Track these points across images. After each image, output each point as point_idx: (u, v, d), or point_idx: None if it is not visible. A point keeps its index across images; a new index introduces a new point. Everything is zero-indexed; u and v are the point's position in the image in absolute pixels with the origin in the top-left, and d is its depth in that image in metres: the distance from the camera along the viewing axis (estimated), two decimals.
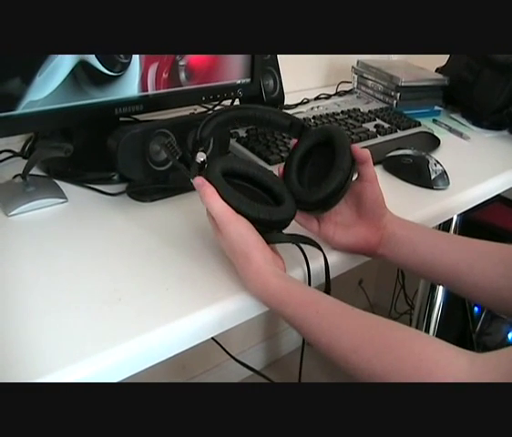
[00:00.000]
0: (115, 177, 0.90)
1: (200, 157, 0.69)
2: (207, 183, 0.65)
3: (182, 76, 0.98)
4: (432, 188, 0.98)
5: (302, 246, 0.70)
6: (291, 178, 0.72)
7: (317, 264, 0.72)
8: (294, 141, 0.76)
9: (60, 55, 0.81)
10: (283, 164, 0.75)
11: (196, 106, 1.16)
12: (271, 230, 0.67)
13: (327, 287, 0.71)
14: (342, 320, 0.60)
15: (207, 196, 0.64)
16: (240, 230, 0.63)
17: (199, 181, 0.65)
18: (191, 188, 0.87)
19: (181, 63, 0.97)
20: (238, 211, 0.64)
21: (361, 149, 0.72)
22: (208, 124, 0.72)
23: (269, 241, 0.66)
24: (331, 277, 0.72)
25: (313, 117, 1.21)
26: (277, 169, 0.75)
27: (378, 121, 1.24)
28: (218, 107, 1.17)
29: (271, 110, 0.77)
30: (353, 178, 0.73)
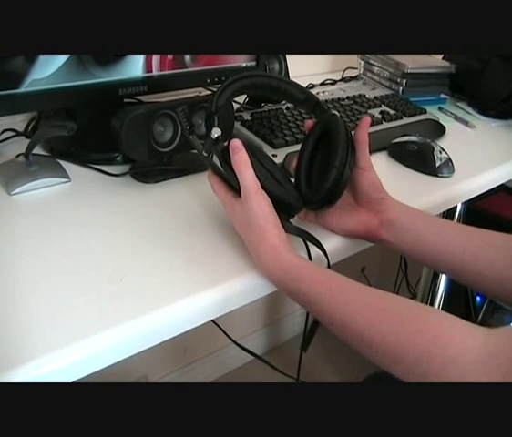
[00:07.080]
0: (118, 158, 0.90)
1: (215, 132, 0.66)
2: (244, 150, 0.64)
3: (187, 57, 0.98)
4: (436, 176, 0.97)
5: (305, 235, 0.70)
6: (300, 179, 0.72)
7: (317, 250, 0.72)
8: (309, 124, 0.75)
9: None
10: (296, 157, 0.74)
11: (200, 89, 1.15)
12: (281, 213, 0.66)
13: None
14: (356, 296, 0.59)
15: (241, 162, 0.64)
16: (263, 205, 0.64)
17: (237, 144, 0.64)
18: (195, 170, 0.88)
19: None
20: (263, 186, 0.64)
21: (358, 134, 0.72)
22: (224, 92, 0.70)
23: (283, 228, 0.66)
24: (332, 263, 0.71)
25: None
26: (290, 162, 0.75)
27: (384, 107, 1.23)
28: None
29: (288, 81, 0.76)
30: None
